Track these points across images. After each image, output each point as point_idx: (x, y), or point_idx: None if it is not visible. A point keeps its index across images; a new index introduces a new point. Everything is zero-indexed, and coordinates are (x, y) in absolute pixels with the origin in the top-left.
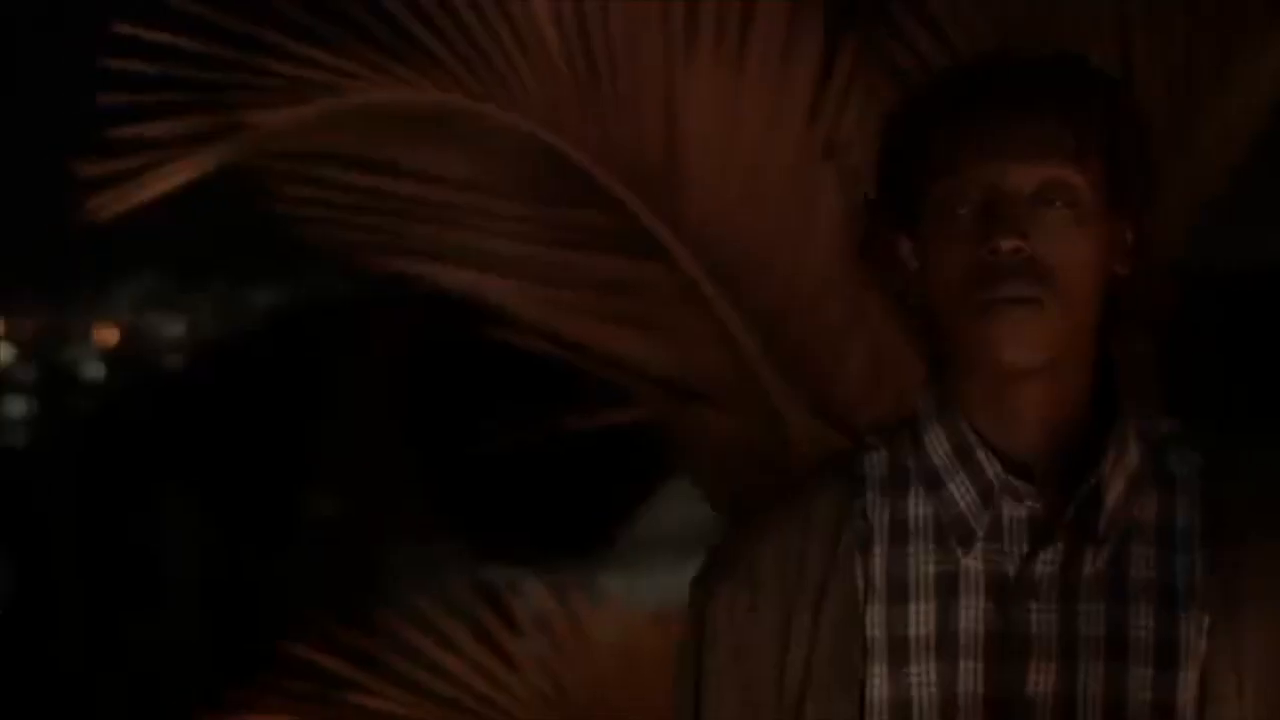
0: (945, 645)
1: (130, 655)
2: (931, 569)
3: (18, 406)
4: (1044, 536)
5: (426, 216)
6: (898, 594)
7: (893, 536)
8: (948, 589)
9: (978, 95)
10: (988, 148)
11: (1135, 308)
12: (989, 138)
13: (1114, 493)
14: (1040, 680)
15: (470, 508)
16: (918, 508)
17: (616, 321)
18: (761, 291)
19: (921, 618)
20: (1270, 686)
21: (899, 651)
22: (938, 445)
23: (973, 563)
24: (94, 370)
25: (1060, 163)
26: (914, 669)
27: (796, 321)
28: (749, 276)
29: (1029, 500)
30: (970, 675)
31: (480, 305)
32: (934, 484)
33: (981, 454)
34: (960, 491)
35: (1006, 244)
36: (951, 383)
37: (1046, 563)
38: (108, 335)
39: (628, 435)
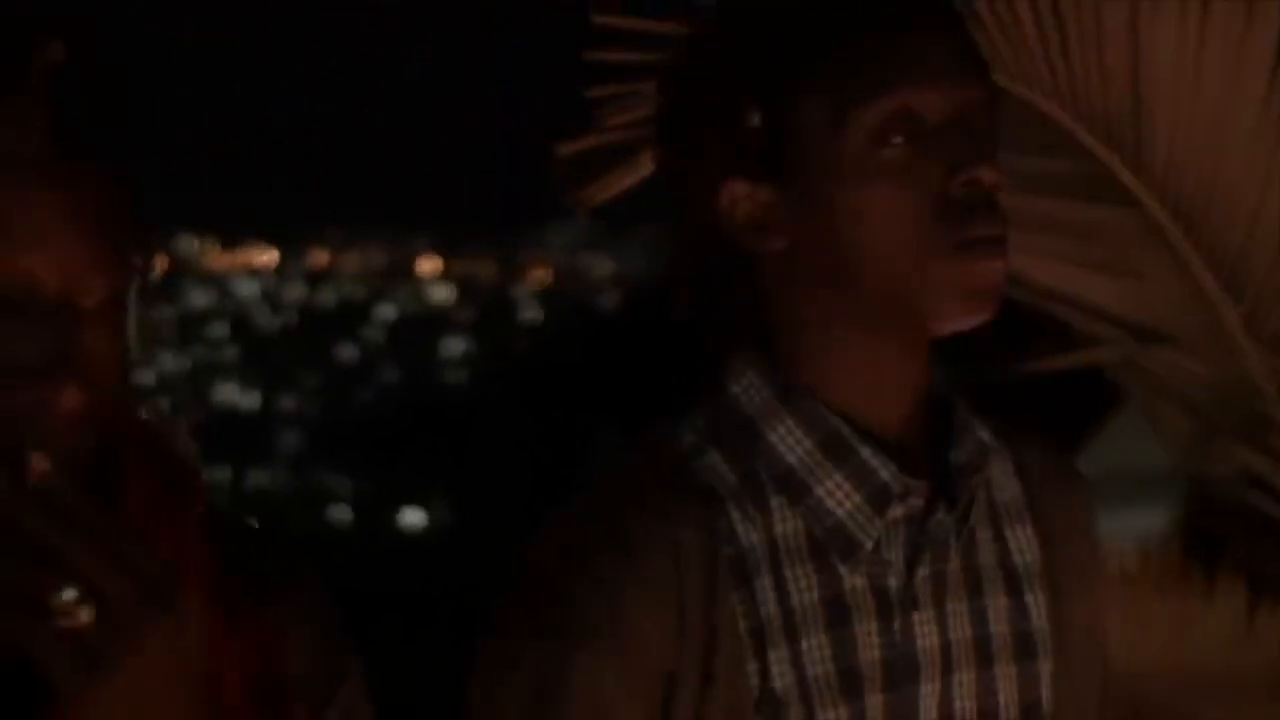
0: (849, 682)
1: None
2: (815, 594)
3: (457, 345)
4: (923, 539)
5: None
6: (792, 630)
7: (770, 560)
8: (838, 616)
9: (875, 5)
10: (929, 62)
11: None
12: (924, 46)
13: (978, 482)
14: (930, 703)
15: None
16: (784, 522)
17: (1082, 266)
18: (1225, 235)
19: (818, 654)
20: (1088, 666)
21: (806, 698)
22: (794, 441)
23: (858, 580)
24: (529, 310)
25: (980, 83)
26: (827, 714)
27: (1260, 265)
28: (1213, 220)
29: (914, 499)
30: (877, 711)
31: None
32: (797, 490)
33: (867, 451)
34: (836, 497)
35: (989, 175)
36: (798, 359)
37: (925, 566)
38: (542, 276)
39: (1068, 375)
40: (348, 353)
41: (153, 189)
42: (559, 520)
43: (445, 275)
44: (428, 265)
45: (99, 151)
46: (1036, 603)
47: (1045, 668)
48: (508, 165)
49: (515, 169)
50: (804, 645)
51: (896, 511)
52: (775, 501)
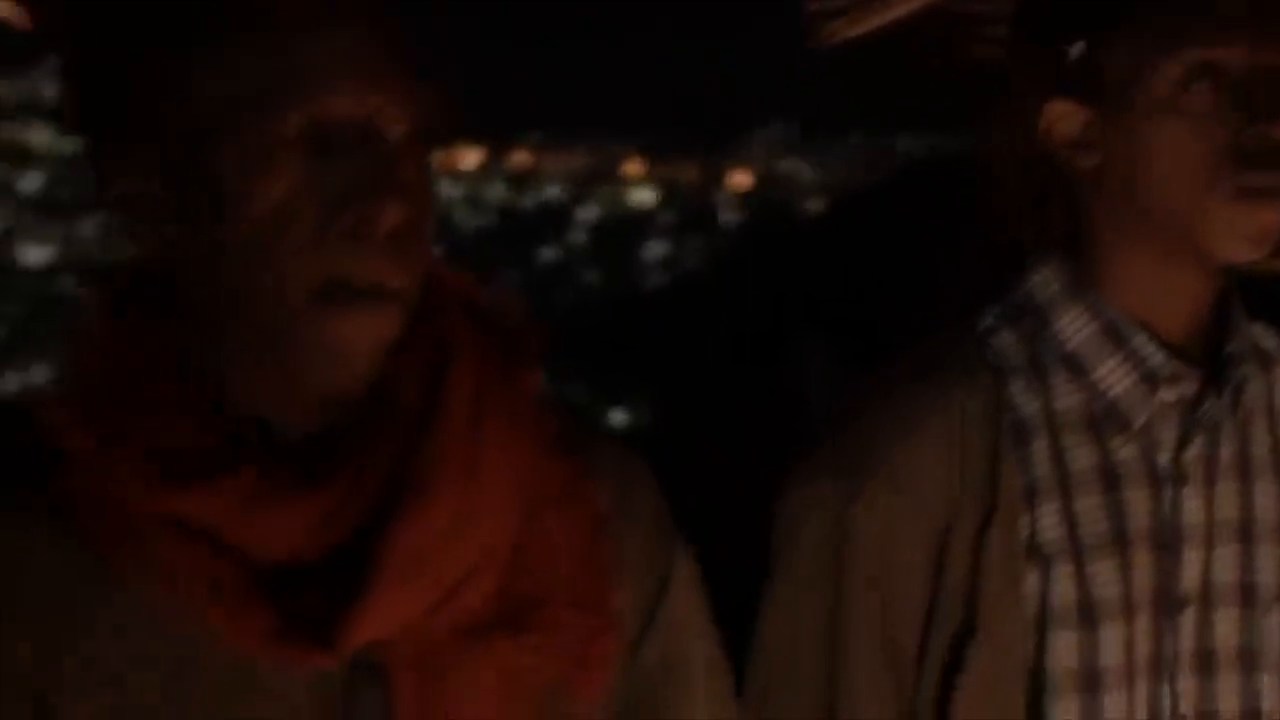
0: (1118, 540)
1: (761, 495)
2: (1092, 461)
3: (659, 248)
4: (1194, 422)
5: None
6: (1065, 490)
7: (1048, 428)
8: (1110, 482)
9: None
10: (1233, 19)
11: None
12: (1233, 9)
13: (1246, 369)
14: (1192, 569)
15: None
16: (1064, 397)
17: None
18: None
19: (1093, 514)
20: None
21: (1078, 551)
22: (1076, 328)
23: (1130, 453)
24: (731, 214)
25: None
26: (1095, 567)
27: None
28: None
29: (1184, 384)
30: (1143, 569)
31: None
32: (1077, 369)
33: (1140, 339)
34: (1113, 378)
35: (1279, 130)
36: (1096, 261)
37: (1196, 447)
38: (744, 181)
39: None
40: (549, 254)
41: None
42: (870, 381)
43: (648, 178)
44: (630, 168)
45: None
46: None
47: None
48: (712, 69)
49: (720, 73)
50: (1077, 504)
51: (1168, 395)
52: (1057, 379)
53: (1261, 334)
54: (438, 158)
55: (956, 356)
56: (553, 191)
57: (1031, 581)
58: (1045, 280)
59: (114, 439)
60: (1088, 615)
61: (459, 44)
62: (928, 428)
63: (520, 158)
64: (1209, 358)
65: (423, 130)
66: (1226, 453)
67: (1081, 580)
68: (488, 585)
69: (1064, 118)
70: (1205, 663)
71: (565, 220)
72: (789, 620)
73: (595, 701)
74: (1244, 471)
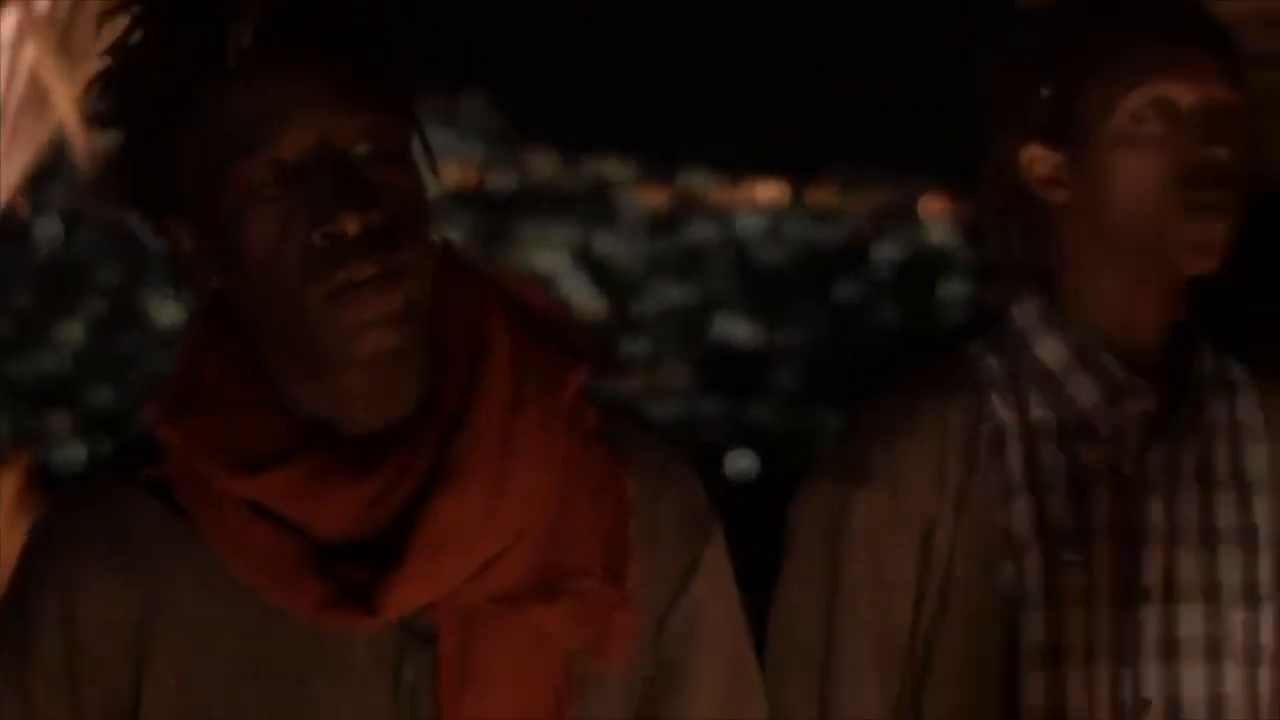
0: (1083, 533)
1: None
2: (1061, 465)
3: (958, 287)
4: (1157, 432)
5: None
6: (1037, 489)
7: (1022, 436)
8: (1077, 483)
9: (1161, 15)
10: (1182, 61)
11: None
12: (1182, 54)
13: (1208, 390)
14: (1153, 567)
15: None
16: (1038, 409)
17: None
18: None
19: (1060, 509)
20: None
21: (1049, 542)
22: (1051, 349)
23: (1096, 458)
24: None
25: (1227, 85)
26: (1061, 555)
27: None
28: None
29: (1145, 399)
30: (1104, 562)
31: None
32: (1051, 387)
33: (1106, 357)
34: (1082, 392)
35: (1222, 152)
36: (1069, 287)
37: (1157, 455)
38: None
39: None
40: (847, 290)
41: (661, 123)
42: (873, 399)
43: (949, 215)
44: (931, 205)
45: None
46: (1263, 504)
47: (1267, 556)
48: None
49: None
50: (1047, 500)
51: (1131, 408)
52: (1034, 395)
53: (1230, 366)
54: (737, 191)
55: (945, 376)
56: (853, 227)
57: (1007, 570)
58: (1025, 309)
59: (195, 434)
60: (1054, 596)
61: (762, 80)
62: (913, 436)
63: (821, 193)
64: (1174, 378)
65: (391, 139)
66: (1188, 463)
67: (1050, 566)
68: (523, 560)
69: (1039, 160)
70: (1169, 651)
71: (864, 256)
72: (793, 606)
73: (617, 666)
74: (1205, 481)
